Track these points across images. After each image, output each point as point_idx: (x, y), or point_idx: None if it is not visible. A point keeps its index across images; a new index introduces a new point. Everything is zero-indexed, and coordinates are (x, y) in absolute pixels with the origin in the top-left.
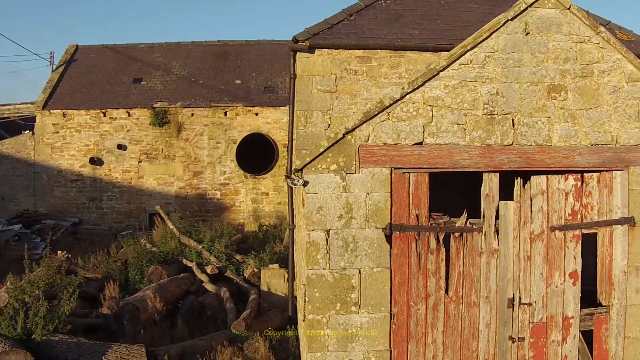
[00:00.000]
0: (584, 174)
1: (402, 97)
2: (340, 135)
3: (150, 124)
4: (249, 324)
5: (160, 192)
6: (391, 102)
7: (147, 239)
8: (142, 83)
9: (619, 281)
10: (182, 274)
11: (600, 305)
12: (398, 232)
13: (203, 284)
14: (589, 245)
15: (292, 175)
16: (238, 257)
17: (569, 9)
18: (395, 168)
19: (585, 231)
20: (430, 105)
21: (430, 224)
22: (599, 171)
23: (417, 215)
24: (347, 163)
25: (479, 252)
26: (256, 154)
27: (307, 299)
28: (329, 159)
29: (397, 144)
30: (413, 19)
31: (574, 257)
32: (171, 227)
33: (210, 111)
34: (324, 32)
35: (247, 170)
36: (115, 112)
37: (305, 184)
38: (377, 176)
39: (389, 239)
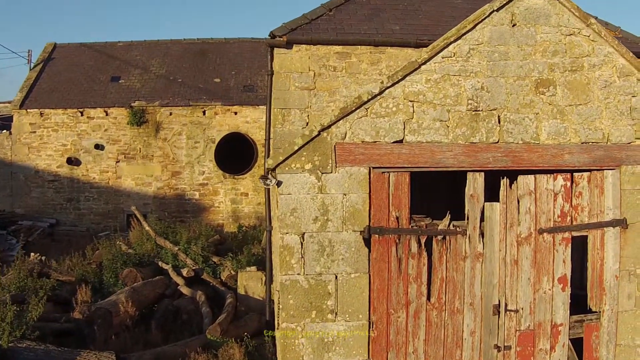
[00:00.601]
0: (574, 174)
1: (381, 92)
2: (316, 133)
3: (128, 124)
4: (225, 329)
5: (138, 193)
6: (369, 97)
7: (123, 240)
8: (120, 82)
9: (611, 286)
10: (157, 277)
11: (590, 311)
12: (377, 236)
13: (179, 287)
14: (576, 246)
15: (268, 175)
16: (215, 259)
17: None
18: (374, 167)
19: (575, 234)
20: (411, 101)
21: (411, 226)
22: (590, 170)
23: (397, 218)
24: (323, 162)
25: (463, 256)
26: (235, 154)
27: (280, 306)
28: (303, 158)
29: (375, 141)
30: (394, 14)
31: (564, 261)
32: (147, 228)
33: (189, 110)
34: (303, 28)
35: (226, 171)
36: (93, 112)
37: (278, 184)
38: (355, 176)
39: (367, 242)
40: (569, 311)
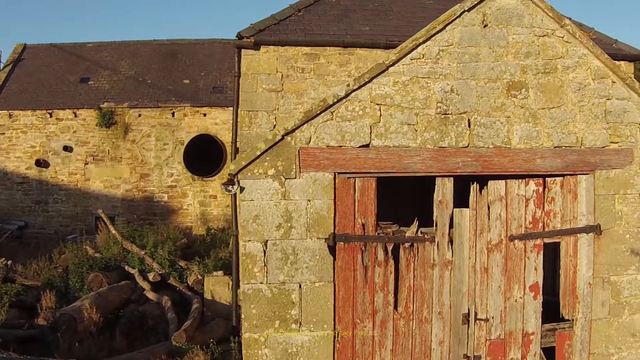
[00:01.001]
0: (546, 179)
1: (347, 95)
2: (279, 137)
3: (96, 125)
4: (191, 335)
5: (106, 195)
6: (335, 100)
7: (90, 244)
8: (89, 83)
9: (584, 294)
10: (123, 282)
11: (563, 319)
12: (342, 243)
13: (145, 292)
14: (548, 252)
15: (234, 179)
16: (182, 263)
17: None
18: (339, 173)
19: (547, 240)
20: (378, 104)
21: (378, 233)
22: (563, 175)
23: (363, 225)
24: (287, 167)
25: (431, 264)
26: (204, 156)
27: (243, 316)
28: (266, 163)
29: (341, 146)
30: (364, 14)
31: (535, 269)
32: (113, 232)
33: (158, 112)
34: (271, 28)
35: (195, 173)
36: (62, 113)
37: (241, 190)
38: (319, 181)
39: (332, 250)
40: (540, 320)
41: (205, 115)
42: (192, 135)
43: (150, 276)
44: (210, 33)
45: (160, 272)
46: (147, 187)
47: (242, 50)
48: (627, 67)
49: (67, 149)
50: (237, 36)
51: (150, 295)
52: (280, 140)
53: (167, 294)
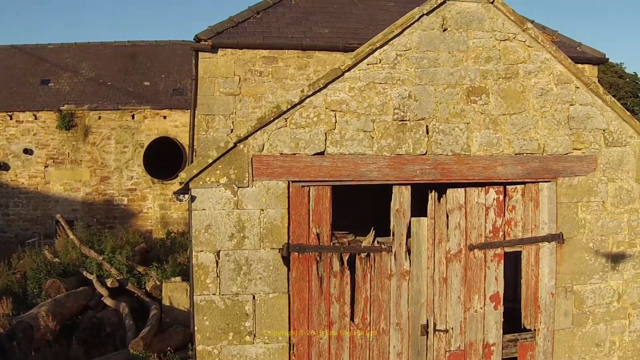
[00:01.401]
0: (507, 187)
1: (301, 101)
2: (231, 145)
3: (57, 128)
4: (148, 343)
5: (66, 198)
6: (289, 106)
7: (49, 249)
8: (49, 85)
9: (546, 304)
10: (81, 288)
11: (525, 329)
12: (297, 253)
13: (102, 299)
14: (511, 258)
15: (189, 188)
16: (140, 268)
17: (492, 2)
18: (293, 181)
19: (508, 249)
20: (333, 110)
21: (333, 243)
22: (524, 183)
23: (318, 234)
24: (239, 176)
25: (389, 274)
26: (164, 159)
27: (196, 328)
28: (218, 171)
29: (295, 154)
30: (324, 17)
31: (496, 279)
32: (71, 237)
33: (118, 114)
34: (229, 31)
35: (155, 176)
36: (22, 115)
37: (192, 199)
38: (273, 190)
39: (286, 260)
40: (502, 330)
41: (165, 117)
42: (152, 137)
43: (108, 282)
44: (171, 34)
45: (118, 278)
46: (107, 190)
47: (200, 53)
48: (590, 71)
49: (27, 151)
50: (194, 39)
51: (108, 301)
52: (232, 148)
53: (125, 300)
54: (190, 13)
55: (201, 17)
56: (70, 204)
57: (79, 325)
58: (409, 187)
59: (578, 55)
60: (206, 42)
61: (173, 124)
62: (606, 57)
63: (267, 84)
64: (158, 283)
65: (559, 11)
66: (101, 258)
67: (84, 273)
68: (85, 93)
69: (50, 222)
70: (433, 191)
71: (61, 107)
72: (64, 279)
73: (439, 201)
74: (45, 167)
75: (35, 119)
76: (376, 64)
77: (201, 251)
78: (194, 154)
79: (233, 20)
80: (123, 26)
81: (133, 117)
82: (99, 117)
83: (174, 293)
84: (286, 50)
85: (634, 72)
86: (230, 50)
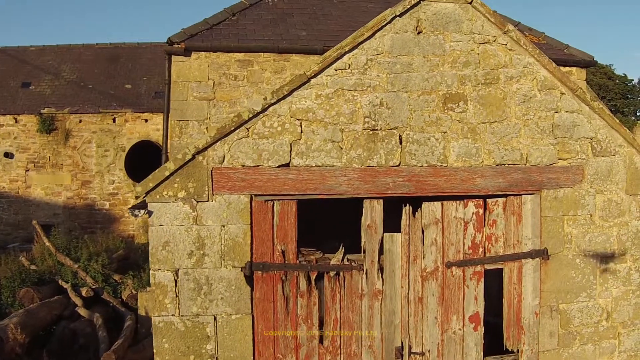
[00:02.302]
0: (487, 200)
1: (264, 110)
2: (190, 156)
3: (37, 131)
4: (122, 356)
5: (48, 203)
6: (251, 115)
7: (25, 255)
8: (30, 88)
9: (530, 324)
10: (55, 297)
11: (507, 351)
12: (260, 272)
13: (77, 309)
14: (491, 273)
15: (145, 202)
16: (116, 277)
17: (470, 3)
18: (256, 195)
19: (488, 267)
20: (299, 119)
21: (300, 261)
22: (506, 196)
23: (283, 252)
24: (199, 189)
25: (360, 294)
26: (146, 163)
27: (155, 351)
28: (176, 185)
29: (258, 166)
30: (301, 19)
31: (475, 298)
32: (47, 243)
33: (99, 117)
34: (203, 34)
35: (137, 180)
36: (2, 119)
37: (149, 214)
38: (234, 205)
39: (249, 280)
40: (482, 352)
41: (147, 121)
42: (134, 141)
43: (83, 291)
44: (154, 36)
45: (93, 287)
46: (88, 194)
47: (173, 56)
48: (579, 73)
49: (8, 155)
50: (167, 41)
51: (82, 312)
52: (191, 160)
53: (100, 310)
54: (174, 15)
55: (186, 19)
56: (51, 208)
57: (52, 336)
58: (381, 201)
59: (566, 57)
60: (179, 45)
61: (155, 127)
62: (595, 59)
63: (243, 88)
64: (134, 292)
65: (546, 13)
66: (76, 266)
67: (60, 281)
68: (66, 96)
69: (31, 227)
70: (407, 205)
71: (42, 111)
72: (39, 288)
73: (414, 216)
74: (26, 171)
75: (16, 122)
76: (345, 69)
77: (159, 269)
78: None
79: (207, 22)
80: (105, 28)
81: (114, 120)
82: (80, 121)
83: (149, 303)
84: (262, 54)
85: (624, 74)
86: (204, 54)
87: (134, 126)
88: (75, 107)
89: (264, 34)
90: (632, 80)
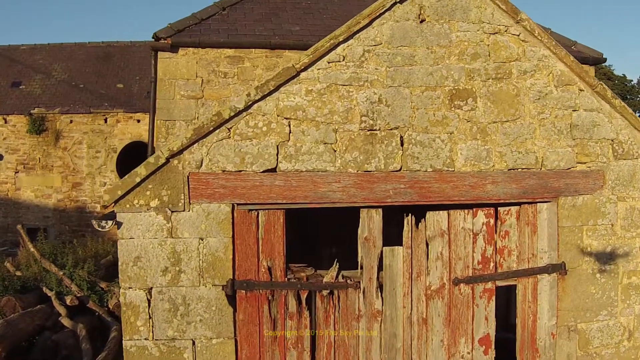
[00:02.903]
0: (499, 209)
1: (247, 107)
2: (163, 160)
3: (27, 132)
4: None
5: (38, 205)
6: (232, 114)
7: (11, 261)
8: (21, 87)
9: (546, 346)
10: (38, 306)
11: None
12: (244, 291)
13: (60, 319)
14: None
15: (117, 213)
16: (103, 284)
17: None
18: (238, 204)
19: (500, 283)
20: (287, 118)
21: (288, 279)
22: (519, 204)
23: (269, 268)
24: (174, 198)
25: (357, 315)
26: (138, 164)
27: None
28: (148, 192)
29: (240, 171)
30: (295, 13)
31: (486, 318)
32: (32, 249)
33: (90, 118)
34: (191, 29)
35: None
36: None
37: (118, 225)
38: (214, 215)
39: (231, 299)
40: None
41: (139, 121)
42: (126, 142)
43: (68, 300)
44: (147, 35)
45: (78, 295)
46: (79, 196)
47: (159, 52)
48: (588, 71)
49: None
50: (153, 37)
51: (66, 322)
52: (164, 164)
53: (85, 320)
54: (169, 12)
55: (181, 16)
56: (41, 211)
57: (34, 348)
58: (380, 210)
59: (574, 54)
60: (165, 41)
61: (147, 127)
62: (604, 56)
63: (233, 86)
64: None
65: (545, 13)
66: (61, 273)
67: (44, 289)
68: (56, 96)
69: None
70: (410, 215)
71: (32, 111)
72: (22, 296)
73: (417, 227)
74: (16, 172)
75: (6, 122)
76: (339, 61)
77: (130, 288)
78: None
79: (196, 16)
80: (99, 26)
81: (106, 120)
82: (71, 121)
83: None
84: (253, 50)
85: (623, 74)
86: (192, 50)
87: (126, 127)
88: (66, 107)
89: (256, 28)
90: (632, 80)
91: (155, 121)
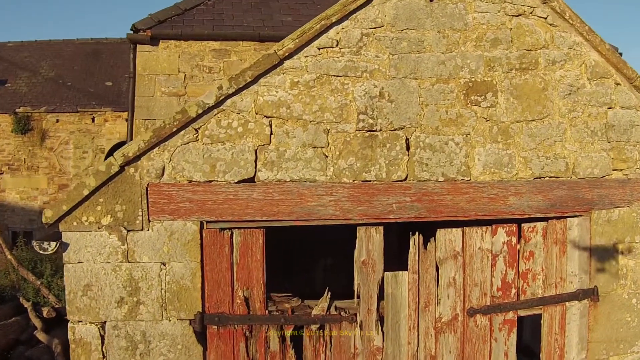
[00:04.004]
0: (523, 225)
1: (219, 103)
2: (117, 168)
3: (12, 132)
4: None
5: (23, 208)
6: (201, 111)
7: None
8: (6, 85)
9: None
10: (13, 318)
11: None
12: (216, 327)
13: (35, 332)
14: None
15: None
16: None
17: None
18: (208, 222)
19: (523, 313)
20: (267, 117)
21: (270, 311)
22: (546, 219)
23: (246, 299)
24: (129, 214)
25: (352, 354)
26: None
27: None
28: (99, 208)
29: (211, 181)
30: (287, 3)
31: (505, 355)
32: (9, 257)
33: (77, 117)
34: (173, 20)
35: None
36: None
37: (63, 247)
38: (179, 235)
39: (201, 336)
40: None
41: (127, 120)
42: (114, 142)
43: (45, 311)
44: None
45: (56, 307)
46: None
47: (138, 46)
48: None
49: None
50: (131, 28)
51: (41, 336)
52: (118, 173)
53: (62, 334)
54: (163, 7)
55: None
56: (27, 213)
57: None
58: (381, 228)
59: None
60: (145, 33)
61: None
62: (619, 51)
63: (218, 82)
64: None
65: None
66: (39, 282)
67: (21, 299)
68: (43, 94)
69: (6, 233)
70: (417, 233)
71: (17, 110)
72: None
73: (426, 247)
74: (0, 174)
75: None
76: (332, 47)
77: (79, 321)
78: None
79: (179, 6)
80: (91, 22)
81: (93, 120)
82: (57, 120)
83: None
84: (241, 42)
85: None
86: (173, 42)
87: (114, 126)
88: (52, 106)
89: (244, 19)
90: None
91: (134, 120)
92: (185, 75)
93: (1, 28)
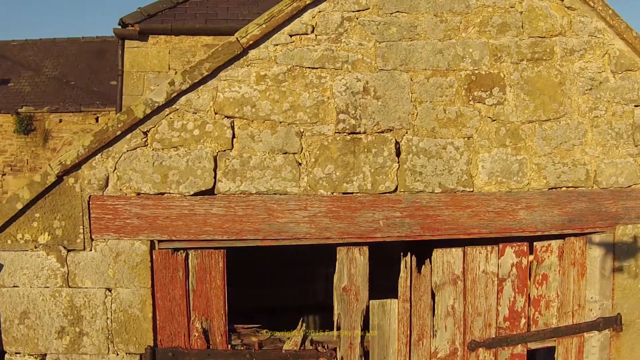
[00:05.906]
0: (535, 244)
1: (171, 101)
2: (54, 178)
3: (14, 132)
4: None
5: None
6: (149, 111)
7: None
8: (9, 85)
9: None
10: None
11: None
12: None
13: None
14: None
15: None
16: None
17: None
18: (160, 241)
19: (534, 346)
20: (229, 117)
21: (233, 346)
22: (563, 236)
23: (205, 331)
24: (69, 231)
25: None
26: None
27: None
28: (36, 224)
29: (163, 193)
30: None
31: None
32: None
33: (80, 117)
34: (164, 13)
35: None
36: None
37: None
38: (126, 257)
39: None
40: None
41: None
42: None
43: None
44: None
45: None
46: None
47: (126, 41)
48: None
49: None
50: (119, 23)
51: None
52: (55, 184)
53: None
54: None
55: None
56: None
57: None
58: (366, 248)
59: None
60: (133, 27)
61: None
62: None
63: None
64: None
65: None
66: None
67: None
68: (46, 94)
69: None
70: (409, 254)
71: (19, 110)
72: None
73: (420, 271)
74: (3, 175)
75: None
76: (306, 34)
77: (17, 353)
78: None
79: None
80: (97, 20)
81: (97, 120)
82: (60, 120)
83: None
84: None
85: None
86: (164, 37)
87: None
88: (55, 106)
89: (239, 12)
90: None
91: None
92: (176, 72)
93: (5, 27)
